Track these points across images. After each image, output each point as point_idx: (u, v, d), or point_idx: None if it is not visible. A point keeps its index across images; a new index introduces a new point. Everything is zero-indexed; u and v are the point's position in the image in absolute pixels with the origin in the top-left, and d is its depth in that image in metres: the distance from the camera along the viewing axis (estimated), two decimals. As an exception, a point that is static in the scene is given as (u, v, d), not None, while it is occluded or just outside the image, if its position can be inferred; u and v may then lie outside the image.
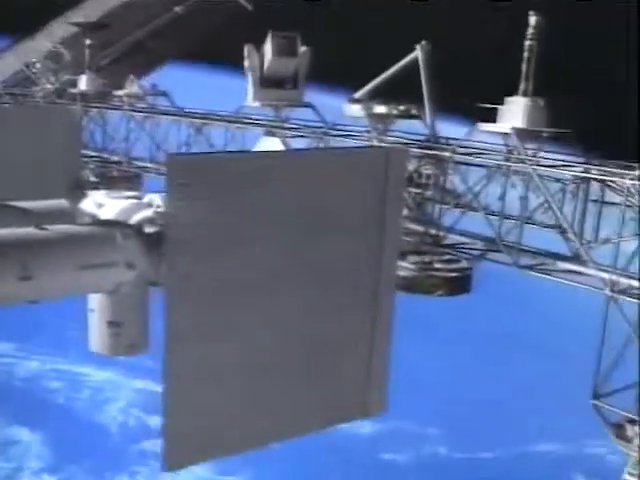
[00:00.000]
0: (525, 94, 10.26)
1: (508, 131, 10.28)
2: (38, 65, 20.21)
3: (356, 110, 12.03)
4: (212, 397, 2.54)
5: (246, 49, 13.57)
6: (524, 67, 10.23)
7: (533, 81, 10.31)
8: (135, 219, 2.75)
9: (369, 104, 11.94)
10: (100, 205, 2.94)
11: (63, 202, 3.03)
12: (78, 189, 3.24)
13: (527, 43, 10.20)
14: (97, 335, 2.95)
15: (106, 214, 2.85)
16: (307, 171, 2.56)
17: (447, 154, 10.86)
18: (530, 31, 10.17)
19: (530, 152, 10.31)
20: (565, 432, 27.68)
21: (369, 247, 2.75)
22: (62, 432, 28.03)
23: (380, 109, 11.80)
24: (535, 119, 10.14)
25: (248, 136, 14.49)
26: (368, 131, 12.43)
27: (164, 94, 17.13)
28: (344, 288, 2.72)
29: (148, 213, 2.77)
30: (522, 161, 9.89)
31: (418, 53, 12.91)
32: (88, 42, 18.84)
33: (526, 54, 10.20)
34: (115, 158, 18.23)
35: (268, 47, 13.23)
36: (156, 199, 2.91)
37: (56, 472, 27.39)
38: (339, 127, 13.13)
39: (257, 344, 2.57)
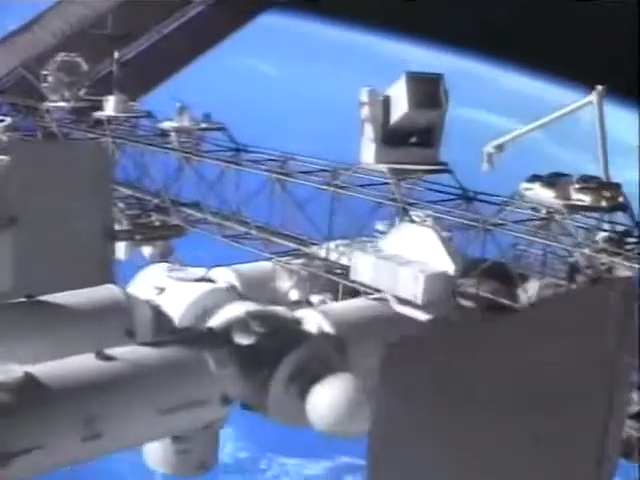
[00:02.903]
0: None
1: None
2: (50, 79, 16.40)
3: (545, 196, 8.45)
4: None
5: (366, 93, 9.90)
6: None
7: None
8: (221, 321, 1.93)
9: (565, 188, 8.38)
10: (161, 290, 2.14)
11: (112, 289, 2.10)
12: (111, 239, 2.22)
13: None
14: (159, 451, 2.08)
15: (172, 305, 1.99)
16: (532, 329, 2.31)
17: None
18: None
19: None
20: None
21: (597, 409, 2.44)
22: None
23: (584, 198, 8.24)
24: None
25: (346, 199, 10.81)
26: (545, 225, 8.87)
27: (221, 128, 13.39)
28: (565, 460, 2.44)
29: (237, 311, 1.98)
30: None
31: (593, 99, 9.46)
32: (116, 55, 15.07)
33: None
34: (155, 201, 14.58)
35: (401, 94, 9.53)
36: (231, 277, 1.80)
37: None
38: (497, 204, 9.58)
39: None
